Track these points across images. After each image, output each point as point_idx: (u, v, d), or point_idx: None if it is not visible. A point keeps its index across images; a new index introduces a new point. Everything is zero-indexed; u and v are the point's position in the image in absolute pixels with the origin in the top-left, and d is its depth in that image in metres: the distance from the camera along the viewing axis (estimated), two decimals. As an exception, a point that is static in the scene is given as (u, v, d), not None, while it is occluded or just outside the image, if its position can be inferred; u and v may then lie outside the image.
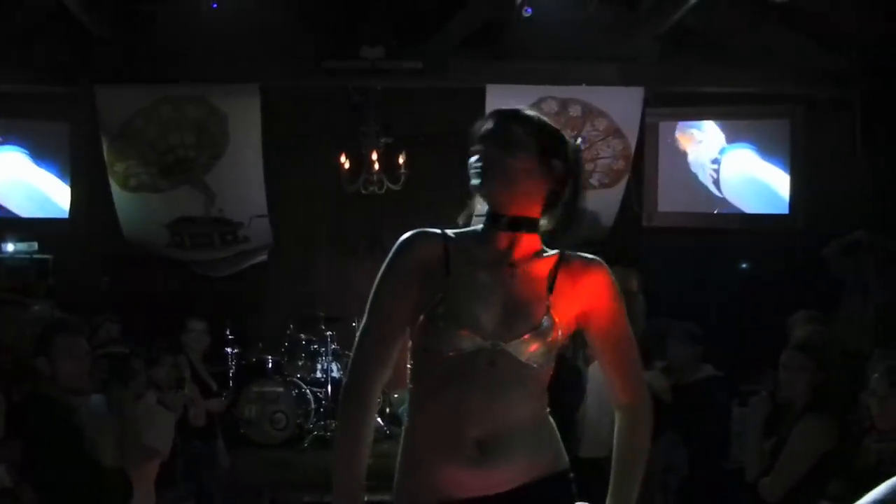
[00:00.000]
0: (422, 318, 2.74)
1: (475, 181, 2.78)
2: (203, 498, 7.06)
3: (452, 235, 2.86)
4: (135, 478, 4.73)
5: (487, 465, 2.66)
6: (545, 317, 2.75)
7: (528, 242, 2.83)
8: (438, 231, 2.85)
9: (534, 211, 2.83)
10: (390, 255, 2.83)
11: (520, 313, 2.73)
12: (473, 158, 2.80)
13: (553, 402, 6.97)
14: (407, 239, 2.83)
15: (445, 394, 2.71)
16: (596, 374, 7.87)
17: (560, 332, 2.78)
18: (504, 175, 2.77)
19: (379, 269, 2.86)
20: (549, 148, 2.80)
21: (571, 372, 7.77)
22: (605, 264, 2.90)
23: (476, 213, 2.92)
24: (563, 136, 2.88)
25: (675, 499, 5.82)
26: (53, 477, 3.98)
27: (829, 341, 6.17)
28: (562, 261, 2.85)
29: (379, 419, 9.86)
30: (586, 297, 2.82)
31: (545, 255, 2.86)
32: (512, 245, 2.81)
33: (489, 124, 2.82)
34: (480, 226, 2.87)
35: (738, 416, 7.21)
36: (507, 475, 2.70)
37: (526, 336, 2.72)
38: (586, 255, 2.91)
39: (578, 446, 7.62)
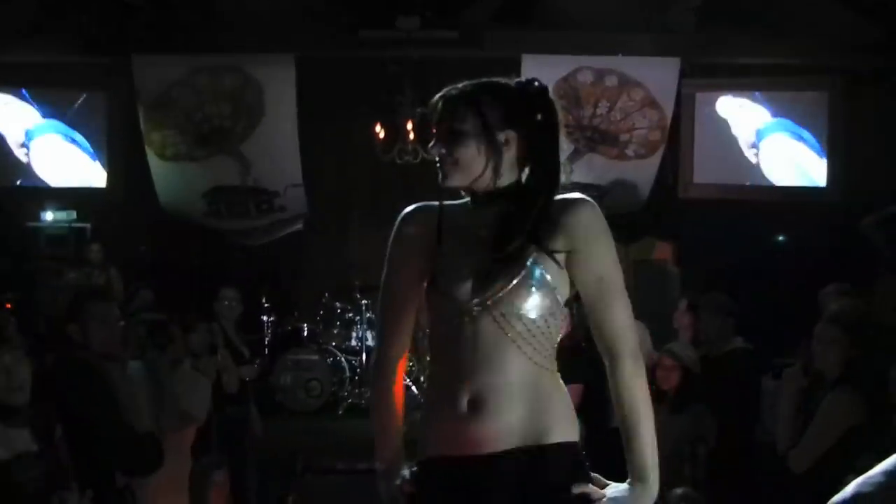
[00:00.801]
0: (425, 288, 2.85)
1: (440, 180, 2.84)
2: (237, 464, 7.12)
3: (449, 207, 2.92)
4: (171, 443, 4.77)
5: (475, 423, 2.70)
6: (528, 266, 2.72)
7: (512, 204, 2.82)
8: (436, 203, 2.93)
9: (508, 177, 2.83)
10: (393, 229, 2.95)
11: (500, 268, 2.73)
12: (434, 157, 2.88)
13: (588, 372, 7.00)
14: (406, 213, 2.94)
15: (443, 356, 2.82)
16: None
17: (559, 282, 2.75)
18: (458, 168, 2.80)
19: None
20: (492, 122, 2.78)
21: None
22: (589, 200, 2.82)
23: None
24: (505, 97, 2.83)
25: (703, 470, 5.81)
26: (85, 441, 4.03)
27: (864, 315, 6.11)
28: (543, 207, 2.80)
29: (414, 388, 9.92)
30: (569, 236, 2.75)
31: (531, 207, 2.81)
32: (493, 212, 2.82)
33: (433, 116, 2.85)
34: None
35: (770, 389, 7.19)
36: (495, 434, 2.71)
37: (507, 288, 2.71)
38: (571, 195, 2.85)
39: (611, 416, 7.65)
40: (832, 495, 2.60)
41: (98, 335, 4.38)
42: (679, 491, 4.67)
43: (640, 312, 9.09)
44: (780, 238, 11.66)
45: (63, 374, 4.22)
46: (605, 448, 7.20)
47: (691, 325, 7.17)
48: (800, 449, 4.95)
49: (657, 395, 6.33)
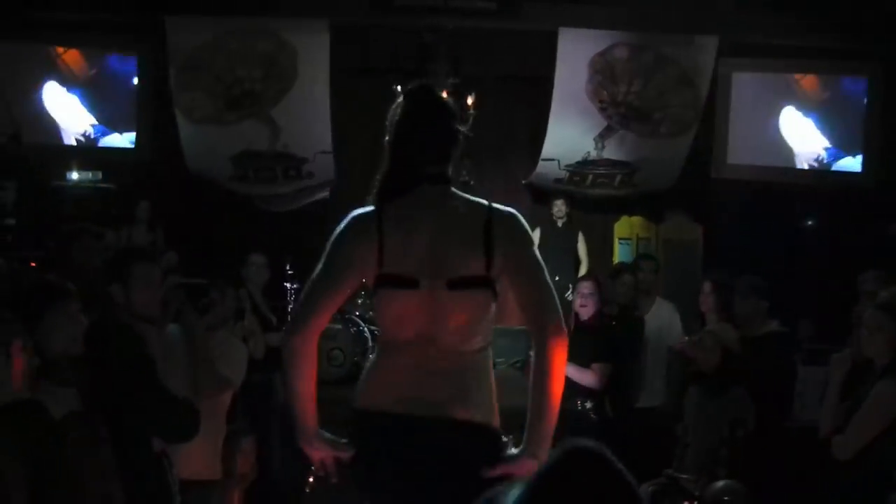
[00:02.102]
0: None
1: None
2: (262, 432, 7.07)
3: None
4: (207, 409, 4.71)
5: None
6: None
7: None
8: None
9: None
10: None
11: None
12: None
13: (613, 354, 6.91)
14: None
15: None
16: (648, 324, 7.75)
17: None
18: None
19: None
20: None
21: (634, 324, 7.65)
22: None
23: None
24: None
25: (742, 453, 5.74)
26: (123, 404, 3.97)
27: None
28: None
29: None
30: None
31: None
32: None
33: None
34: None
35: (803, 374, 7.13)
36: None
37: None
38: None
39: (638, 396, 7.56)
40: (876, 483, 2.53)
41: (140, 296, 4.32)
42: (720, 484, 4.56)
43: (668, 293, 8.95)
44: (811, 222, 11.56)
45: (103, 336, 4.15)
46: (630, 428, 7.13)
47: (716, 306, 7.02)
48: (846, 436, 4.88)
49: (696, 377, 6.27)
